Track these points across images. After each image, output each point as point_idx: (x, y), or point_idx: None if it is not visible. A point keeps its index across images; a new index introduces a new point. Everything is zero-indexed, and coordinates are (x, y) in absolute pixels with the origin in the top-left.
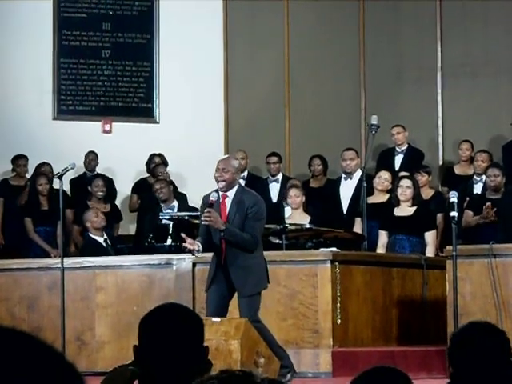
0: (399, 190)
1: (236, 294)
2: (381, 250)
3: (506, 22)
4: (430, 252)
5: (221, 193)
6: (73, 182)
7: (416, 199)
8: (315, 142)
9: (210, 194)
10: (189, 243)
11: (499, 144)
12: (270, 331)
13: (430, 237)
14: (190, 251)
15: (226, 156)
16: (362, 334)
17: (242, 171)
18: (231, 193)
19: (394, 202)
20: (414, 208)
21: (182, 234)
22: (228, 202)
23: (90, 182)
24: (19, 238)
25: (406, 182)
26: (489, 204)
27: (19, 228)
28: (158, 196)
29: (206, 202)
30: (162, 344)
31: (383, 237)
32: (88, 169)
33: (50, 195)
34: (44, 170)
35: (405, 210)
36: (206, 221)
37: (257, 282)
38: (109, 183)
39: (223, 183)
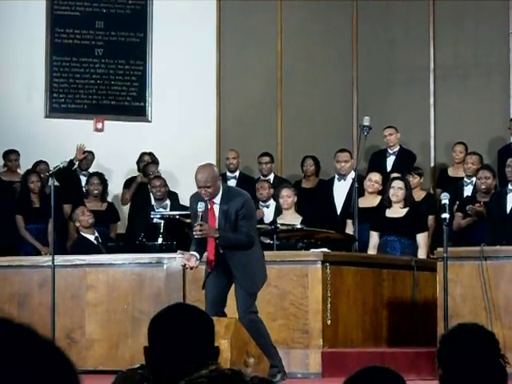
0: (391, 191)
1: (234, 286)
2: (372, 250)
3: (497, 24)
4: (421, 254)
5: (208, 204)
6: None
7: (408, 200)
8: (307, 142)
9: (196, 193)
10: (186, 259)
11: (491, 146)
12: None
13: (421, 238)
14: (191, 268)
15: (201, 169)
16: (351, 335)
17: (234, 171)
18: (217, 198)
19: (385, 203)
20: (406, 209)
21: (179, 252)
22: (216, 208)
23: (87, 181)
24: (10, 235)
25: (397, 183)
26: (470, 206)
27: (10, 225)
28: (154, 193)
29: (194, 201)
30: (173, 345)
31: (374, 238)
32: (83, 168)
33: (41, 192)
34: (40, 168)
35: (397, 211)
36: (199, 235)
37: (257, 277)
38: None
39: (210, 197)
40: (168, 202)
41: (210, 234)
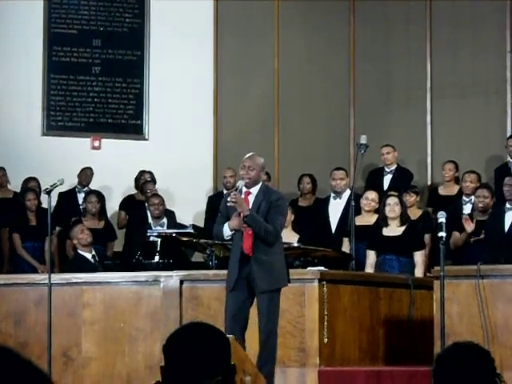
0: (387, 209)
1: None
2: (369, 269)
3: (494, 43)
4: (418, 272)
5: (244, 189)
6: (61, 195)
7: (404, 217)
8: (304, 160)
9: (230, 191)
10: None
11: (488, 164)
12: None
13: (418, 257)
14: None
15: (251, 154)
16: (348, 354)
17: (231, 189)
18: (255, 189)
19: (381, 222)
20: (403, 228)
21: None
22: (251, 198)
23: (85, 199)
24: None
25: (393, 200)
26: (465, 216)
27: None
28: (152, 211)
29: (224, 201)
30: (190, 364)
31: (371, 257)
32: (83, 183)
33: (38, 210)
34: (31, 185)
35: (394, 229)
36: (232, 202)
37: (278, 277)
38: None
39: (248, 180)
40: (165, 220)
41: (242, 207)
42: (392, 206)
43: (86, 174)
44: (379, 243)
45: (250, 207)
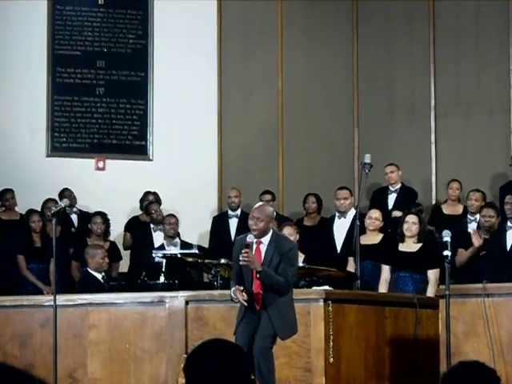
0: (405, 226)
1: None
2: (383, 285)
3: (497, 61)
4: (430, 291)
5: (255, 240)
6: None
7: (421, 235)
8: (308, 180)
9: (243, 236)
10: (241, 296)
11: (493, 183)
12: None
13: (432, 275)
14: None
15: (260, 204)
16: (354, 373)
17: (236, 209)
18: (265, 239)
19: (398, 238)
20: (420, 244)
21: (239, 289)
22: (263, 248)
23: (90, 220)
24: (12, 275)
25: (412, 218)
26: (475, 230)
27: (12, 264)
28: (167, 230)
29: (240, 244)
30: (211, 380)
31: (386, 272)
32: (72, 203)
33: (42, 232)
34: (50, 205)
35: (410, 245)
36: (244, 261)
37: (291, 324)
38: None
39: (256, 232)
40: (178, 240)
41: (255, 264)
42: (410, 225)
43: (69, 196)
44: (394, 258)
45: (262, 258)
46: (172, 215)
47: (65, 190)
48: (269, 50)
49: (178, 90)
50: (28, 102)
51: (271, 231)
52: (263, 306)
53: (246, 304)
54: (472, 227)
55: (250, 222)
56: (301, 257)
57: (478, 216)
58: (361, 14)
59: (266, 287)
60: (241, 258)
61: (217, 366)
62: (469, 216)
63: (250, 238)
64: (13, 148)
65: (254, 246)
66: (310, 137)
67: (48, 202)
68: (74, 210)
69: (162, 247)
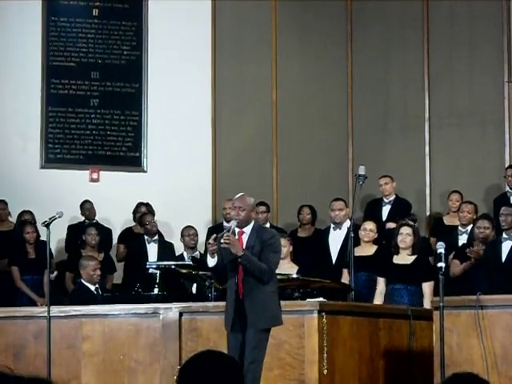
0: (399, 238)
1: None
2: (379, 297)
3: (491, 73)
4: (426, 304)
5: (237, 229)
6: (70, 228)
7: (416, 247)
8: (303, 191)
9: (223, 233)
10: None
11: (487, 194)
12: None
13: (427, 287)
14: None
15: (241, 194)
16: None
17: (231, 220)
18: (248, 229)
19: (393, 249)
20: (414, 257)
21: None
22: (245, 238)
23: (84, 230)
24: (5, 286)
25: (406, 230)
26: (471, 249)
27: (5, 276)
28: (187, 242)
29: (220, 238)
30: None
31: (381, 284)
32: (89, 217)
33: (37, 243)
34: (27, 218)
35: (404, 258)
36: (226, 243)
37: (272, 316)
38: (106, 233)
39: (239, 221)
40: (197, 252)
41: (236, 248)
42: (404, 237)
43: (84, 209)
44: (389, 270)
45: (244, 247)
46: (191, 227)
47: (85, 201)
48: (263, 60)
49: (172, 101)
50: (22, 112)
51: (253, 222)
52: (243, 295)
53: (228, 242)
54: (463, 239)
55: (232, 212)
56: (294, 268)
57: (469, 228)
58: (355, 26)
59: (248, 273)
60: (222, 241)
61: (209, 378)
62: (460, 228)
63: (232, 223)
64: (7, 159)
65: (237, 236)
66: (304, 148)
67: (23, 214)
68: (94, 222)
69: (181, 257)
